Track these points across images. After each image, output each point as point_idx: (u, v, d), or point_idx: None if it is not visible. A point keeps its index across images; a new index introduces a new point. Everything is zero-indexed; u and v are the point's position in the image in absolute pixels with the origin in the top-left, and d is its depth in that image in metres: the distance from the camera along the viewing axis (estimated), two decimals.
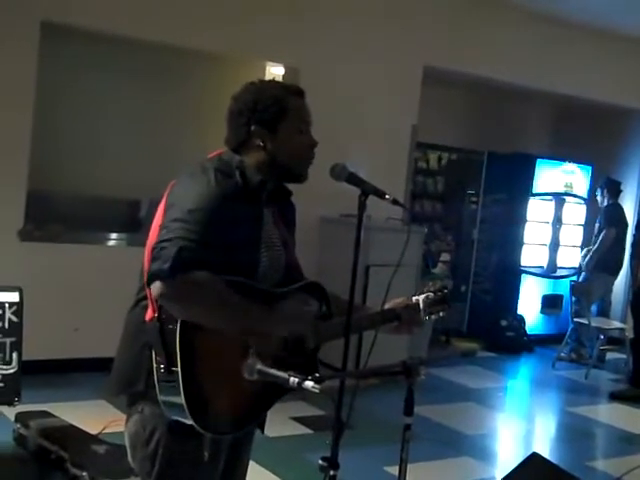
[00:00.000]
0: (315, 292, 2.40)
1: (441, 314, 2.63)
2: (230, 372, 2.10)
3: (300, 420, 5.53)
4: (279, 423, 5.40)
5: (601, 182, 8.56)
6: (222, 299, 2.11)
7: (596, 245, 8.26)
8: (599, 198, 8.46)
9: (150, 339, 2.14)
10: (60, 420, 4.51)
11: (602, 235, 8.18)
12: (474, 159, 9.15)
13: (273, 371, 1.98)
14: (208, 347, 2.12)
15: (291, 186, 2.45)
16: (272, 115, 2.28)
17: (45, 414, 4.55)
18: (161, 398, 2.13)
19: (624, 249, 8.37)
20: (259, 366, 1.99)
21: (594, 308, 8.29)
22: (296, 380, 1.93)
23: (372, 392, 5.53)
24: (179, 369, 2.06)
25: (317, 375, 1.94)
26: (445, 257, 8.90)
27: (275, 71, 7.49)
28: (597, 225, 8.40)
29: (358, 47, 7.05)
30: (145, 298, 2.20)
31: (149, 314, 2.17)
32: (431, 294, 2.58)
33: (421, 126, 7.67)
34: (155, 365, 2.12)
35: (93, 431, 4.55)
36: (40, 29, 5.70)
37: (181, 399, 2.06)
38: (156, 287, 2.04)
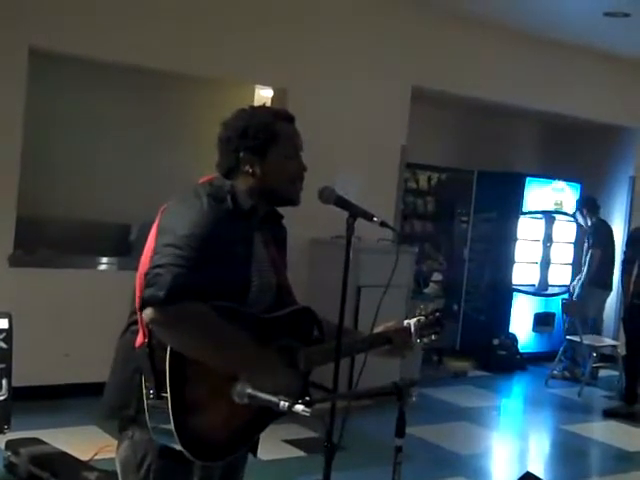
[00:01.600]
0: (306, 317, 2.40)
1: (433, 337, 2.62)
2: (220, 398, 2.09)
3: (293, 443, 5.50)
4: (271, 446, 5.35)
5: (577, 204, 8.67)
6: (214, 332, 2.11)
7: (585, 267, 8.33)
8: (581, 220, 8.54)
9: (140, 364, 2.13)
10: (51, 447, 4.47)
11: (588, 256, 8.28)
12: (464, 178, 9.18)
13: (263, 395, 1.97)
14: (198, 373, 2.11)
15: (282, 208, 2.46)
16: (262, 141, 2.29)
17: (36, 441, 4.51)
18: (151, 424, 2.13)
19: (613, 264, 8.40)
20: (249, 390, 1.98)
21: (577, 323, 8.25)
22: (286, 404, 1.92)
23: (365, 413, 5.51)
24: (168, 395, 2.05)
25: (307, 398, 1.93)
26: (436, 277, 8.92)
27: (264, 93, 7.52)
28: (585, 245, 8.46)
29: (346, 68, 7.09)
30: (136, 323, 2.20)
31: (139, 339, 2.16)
32: (423, 318, 2.58)
33: (410, 146, 7.70)
34: (145, 391, 2.11)
35: (84, 457, 4.52)
36: (28, 55, 5.71)
37: (170, 425, 2.05)
38: (148, 313, 2.04)
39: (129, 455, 2.25)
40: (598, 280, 8.29)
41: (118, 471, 2.31)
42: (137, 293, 2.14)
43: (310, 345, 2.37)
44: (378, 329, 2.52)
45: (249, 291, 2.27)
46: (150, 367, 2.10)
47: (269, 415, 2.22)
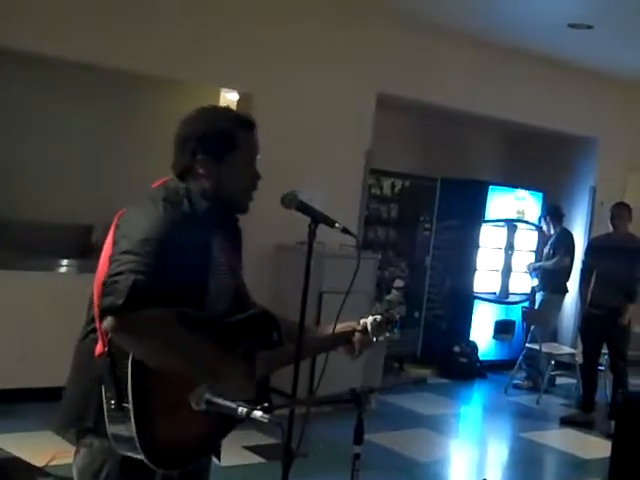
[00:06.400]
0: (266, 321, 2.39)
1: (387, 334, 2.64)
2: (182, 406, 2.05)
3: (253, 449, 5.46)
4: (231, 452, 5.31)
5: (542, 211, 8.75)
6: (174, 339, 2.07)
7: (549, 265, 8.38)
8: (545, 227, 8.64)
9: (100, 374, 2.09)
10: (5, 452, 4.40)
11: (556, 260, 8.31)
12: (427, 186, 9.22)
13: (221, 401, 1.96)
14: (159, 382, 2.08)
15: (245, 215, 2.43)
16: (220, 147, 2.28)
17: None
18: (111, 432, 2.09)
19: (571, 272, 8.45)
20: (207, 396, 1.96)
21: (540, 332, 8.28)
22: (244, 410, 1.91)
23: (326, 420, 5.50)
24: (130, 406, 2.01)
25: (266, 404, 1.92)
26: (399, 283, 8.93)
27: (229, 97, 7.49)
28: (547, 250, 8.51)
29: (312, 74, 7.09)
30: (95, 331, 2.16)
31: (99, 349, 2.12)
32: (378, 316, 2.60)
33: (374, 153, 7.72)
34: (105, 401, 2.07)
35: (39, 463, 4.45)
36: None
37: (133, 435, 2.02)
38: (108, 322, 2.00)
39: (87, 463, 2.22)
40: (559, 287, 8.38)
41: (75, 479, 2.27)
42: (95, 301, 2.11)
43: (270, 348, 2.35)
44: (338, 328, 2.53)
45: (206, 295, 2.24)
46: (111, 377, 2.06)
47: (231, 422, 2.19)
